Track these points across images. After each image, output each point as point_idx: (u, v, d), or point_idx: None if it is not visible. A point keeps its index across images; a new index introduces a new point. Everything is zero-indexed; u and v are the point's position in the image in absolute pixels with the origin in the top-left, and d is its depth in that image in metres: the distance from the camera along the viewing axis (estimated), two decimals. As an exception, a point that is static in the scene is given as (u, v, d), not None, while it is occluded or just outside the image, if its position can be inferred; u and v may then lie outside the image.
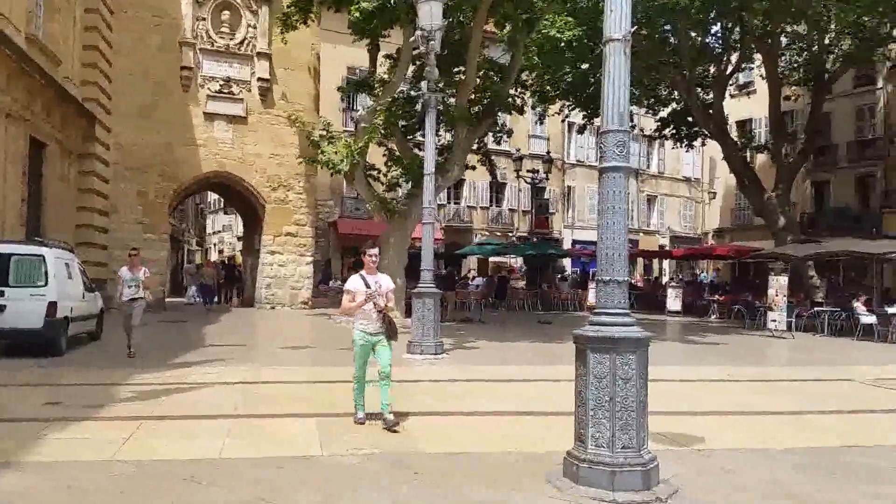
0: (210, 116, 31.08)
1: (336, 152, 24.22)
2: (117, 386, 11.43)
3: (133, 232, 28.47)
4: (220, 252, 68.04)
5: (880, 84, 39.31)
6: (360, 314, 9.03)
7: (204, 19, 31.07)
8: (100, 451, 7.46)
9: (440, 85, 21.98)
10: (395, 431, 8.57)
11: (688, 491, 6.56)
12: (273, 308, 31.69)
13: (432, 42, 16.83)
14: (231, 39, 31.50)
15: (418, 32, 16.97)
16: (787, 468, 7.54)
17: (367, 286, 8.97)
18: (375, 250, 9.42)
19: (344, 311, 9.25)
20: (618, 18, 6.57)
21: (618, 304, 6.53)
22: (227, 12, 31.42)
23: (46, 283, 14.74)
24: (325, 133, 25.62)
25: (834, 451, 8.30)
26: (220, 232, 72.79)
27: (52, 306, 14.61)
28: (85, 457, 7.30)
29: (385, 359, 8.92)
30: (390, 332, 9.08)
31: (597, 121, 33.92)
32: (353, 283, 9.16)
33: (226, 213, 65.06)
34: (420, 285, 16.74)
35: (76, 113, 24.42)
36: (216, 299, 33.62)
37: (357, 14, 22.82)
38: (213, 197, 63.91)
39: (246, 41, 31.71)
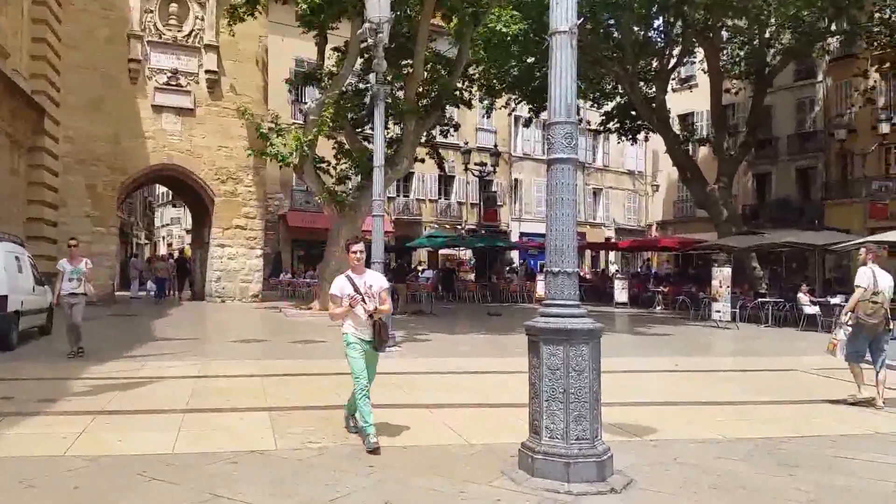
0: (158, 109, 30.78)
1: (285, 145, 24.26)
2: (69, 380, 11.35)
3: (82, 225, 28.12)
4: (170, 245, 67.42)
5: (820, 77, 40.16)
6: (349, 320, 7.80)
7: (152, 11, 30.71)
8: (53, 447, 7.43)
9: (388, 78, 22.01)
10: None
11: (642, 481, 6.63)
12: (223, 301, 31.46)
13: (380, 34, 16.82)
14: (179, 31, 31.17)
15: (366, 25, 16.95)
16: (737, 459, 7.65)
17: (355, 288, 7.78)
18: (360, 245, 8.04)
19: (332, 317, 8.01)
20: (564, 11, 6.59)
21: (568, 296, 6.56)
22: (174, 4, 31.08)
23: (-3, 277, 14.58)
24: (273, 125, 25.66)
25: (781, 442, 8.43)
26: (168, 225, 72.09)
27: (3, 300, 14.47)
28: (38, 452, 7.27)
29: (370, 373, 7.92)
30: (378, 340, 7.80)
31: (543, 114, 34.24)
32: (339, 285, 7.85)
33: (174, 206, 64.41)
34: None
35: (25, 106, 23.99)
36: (165, 293, 33.46)
37: (304, 6, 22.86)
38: (161, 190, 63.26)
39: (193, 33, 31.39)
